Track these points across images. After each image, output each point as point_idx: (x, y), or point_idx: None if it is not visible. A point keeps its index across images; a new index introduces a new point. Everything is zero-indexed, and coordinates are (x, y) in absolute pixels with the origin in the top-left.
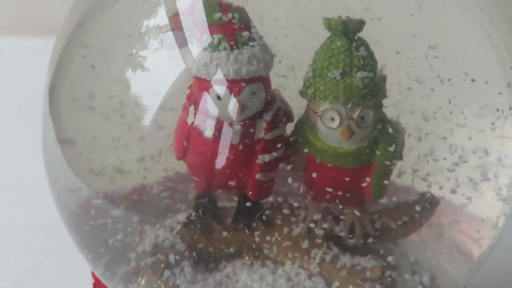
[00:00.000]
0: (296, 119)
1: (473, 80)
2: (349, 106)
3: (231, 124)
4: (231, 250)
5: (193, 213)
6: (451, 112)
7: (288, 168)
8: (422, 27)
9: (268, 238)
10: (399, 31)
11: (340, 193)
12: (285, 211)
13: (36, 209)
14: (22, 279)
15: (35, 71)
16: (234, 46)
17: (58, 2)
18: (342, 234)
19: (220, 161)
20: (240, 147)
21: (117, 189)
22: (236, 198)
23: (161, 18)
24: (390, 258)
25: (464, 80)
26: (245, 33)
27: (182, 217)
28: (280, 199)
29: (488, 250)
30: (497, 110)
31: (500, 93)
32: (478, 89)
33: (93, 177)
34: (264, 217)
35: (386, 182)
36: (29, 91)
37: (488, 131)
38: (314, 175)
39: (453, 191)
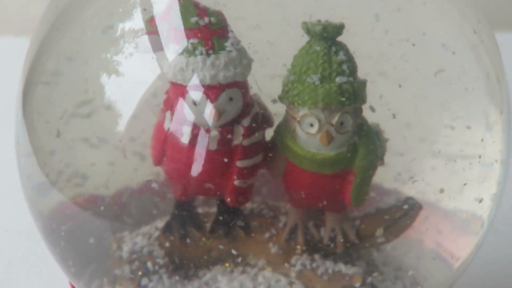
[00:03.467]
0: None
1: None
2: (328, 112)
3: (208, 130)
4: (211, 257)
5: (172, 220)
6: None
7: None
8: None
9: (248, 244)
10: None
11: (320, 199)
12: (265, 217)
13: (17, 214)
14: (2, 285)
15: (17, 71)
16: (211, 51)
17: (40, 1)
18: (323, 240)
19: (197, 168)
20: (218, 154)
21: (100, 193)
22: (216, 204)
23: (137, 21)
24: (372, 264)
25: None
26: (222, 38)
27: (160, 223)
28: (260, 205)
29: (471, 255)
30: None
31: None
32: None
33: (65, 182)
34: (243, 224)
35: (366, 188)
36: (10, 92)
37: (468, 133)
38: (293, 181)
39: (435, 195)
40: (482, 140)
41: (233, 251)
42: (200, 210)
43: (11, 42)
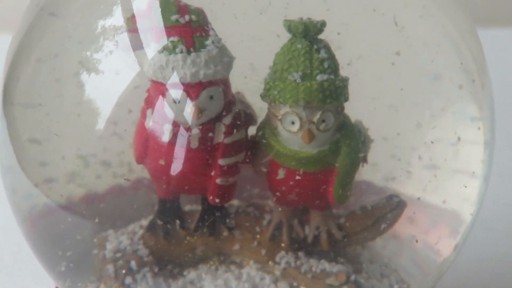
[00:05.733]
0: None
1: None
2: (309, 110)
3: (189, 128)
4: (195, 255)
5: (156, 218)
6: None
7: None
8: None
9: (232, 242)
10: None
11: (303, 197)
12: (250, 215)
13: (7, 210)
14: None
15: None
16: (191, 49)
17: None
18: (307, 238)
19: (178, 166)
20: (199, 152)
21: (84, 193)
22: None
23: (118, 19)
24: (357, 262)
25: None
26: (203, 36)
27: (145, 222)
28: (244, 203)
29: (455, 251)
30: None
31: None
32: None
33: (47, 183)
34: (228, 222)
35: (348, 185)
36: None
37: (451, 130)
38: (276, 178)
39: (420, 192)
40: (464, 137)
41: (218, 249)
42: (184, 208)
43: (6, 40)
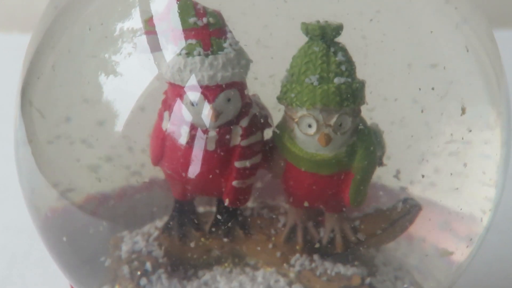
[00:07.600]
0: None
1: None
2: (326, 113)
3: (206, 131)
4: (210, 257)
5: (171, 220)
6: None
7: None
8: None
9: (247, 244)
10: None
11: (319, 199)
12: (265, 217)
13: (19, 212)
14: (4, 282)
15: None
16: (209, 52)
17: None
18: (322, 241)
19: (195, 168)
20: (216, 154)
21: (99, 193)
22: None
23: (136, 21)
24: (371, 265)
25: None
26: (221, 38)
27: (160, 223)
28: (259, 205)
29: (470, 255)
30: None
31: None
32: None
33: (63, 183)
34: (243, 224)
35: (365, 188)
36: (14, 89)
37: (468, 132)
38: (292, 181)
39: (435, 196)
40: (481, 139)
41: (232, 251)
42: (200, 209)
43: (16, 39)
